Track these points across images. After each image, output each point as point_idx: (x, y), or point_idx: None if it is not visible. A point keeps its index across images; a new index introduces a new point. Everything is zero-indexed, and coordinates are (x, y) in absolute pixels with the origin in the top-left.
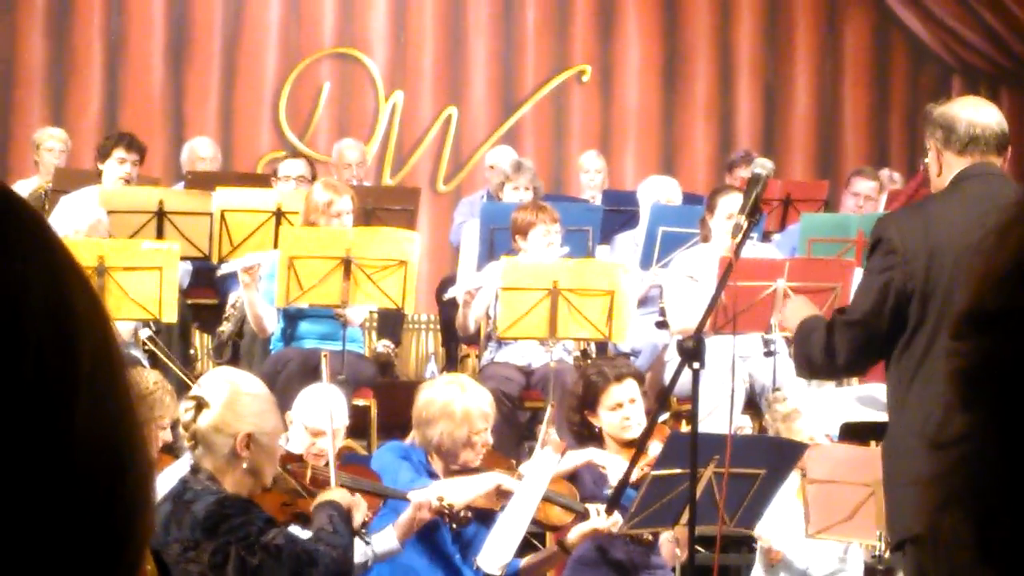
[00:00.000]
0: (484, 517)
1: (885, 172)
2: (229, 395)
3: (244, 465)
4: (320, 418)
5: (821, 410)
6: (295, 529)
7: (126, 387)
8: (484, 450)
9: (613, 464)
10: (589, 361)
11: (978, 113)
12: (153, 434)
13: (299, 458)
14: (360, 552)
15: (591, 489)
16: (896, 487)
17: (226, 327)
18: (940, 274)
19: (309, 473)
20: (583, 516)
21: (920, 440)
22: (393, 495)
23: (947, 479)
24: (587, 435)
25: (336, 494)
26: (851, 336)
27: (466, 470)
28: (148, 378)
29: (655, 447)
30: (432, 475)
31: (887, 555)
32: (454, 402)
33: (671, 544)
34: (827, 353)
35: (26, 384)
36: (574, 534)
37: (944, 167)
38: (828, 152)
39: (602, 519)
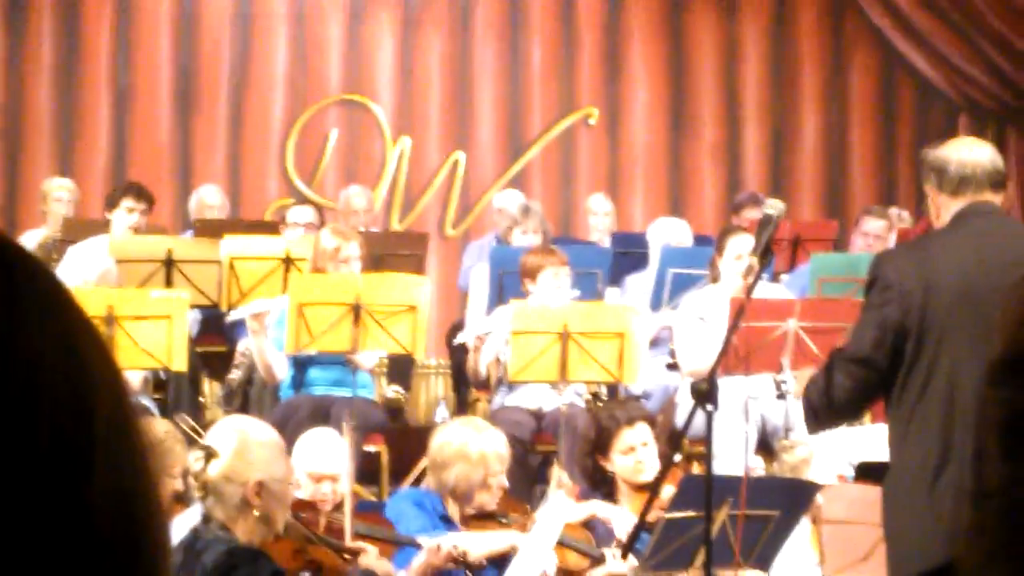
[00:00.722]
0: (499, 562)
1: (894, 211)
2: (238, 443)
3: (256, 513)
4: (322, 462)
5: (834, 450)
6: None
7: (141, 445)
8: (500, 492)
9: (617, 517)
10: (600, 404)
11: (969, 153)
12: (164, 484)
13: (311, 505)
14: None
15: (605, 534)
16: (897, 526)
17: (236, 375)
18: (936, 311)
19: (323, 521)
20: (599, 561)
21: (920, 478)
22: (407, 542)
23: (990, 531)
24: (600, 479)
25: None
26: (851, 373)
27: (482, 514)
28: (158, 428)
29: (667, 490)
30: (447, 520)
31: None
32: (469, 444)
33: None
34: (825, 394)
35: (43, 451)
36: None
37: (941, 209)
38: (836, 192)
39: (618, 563)
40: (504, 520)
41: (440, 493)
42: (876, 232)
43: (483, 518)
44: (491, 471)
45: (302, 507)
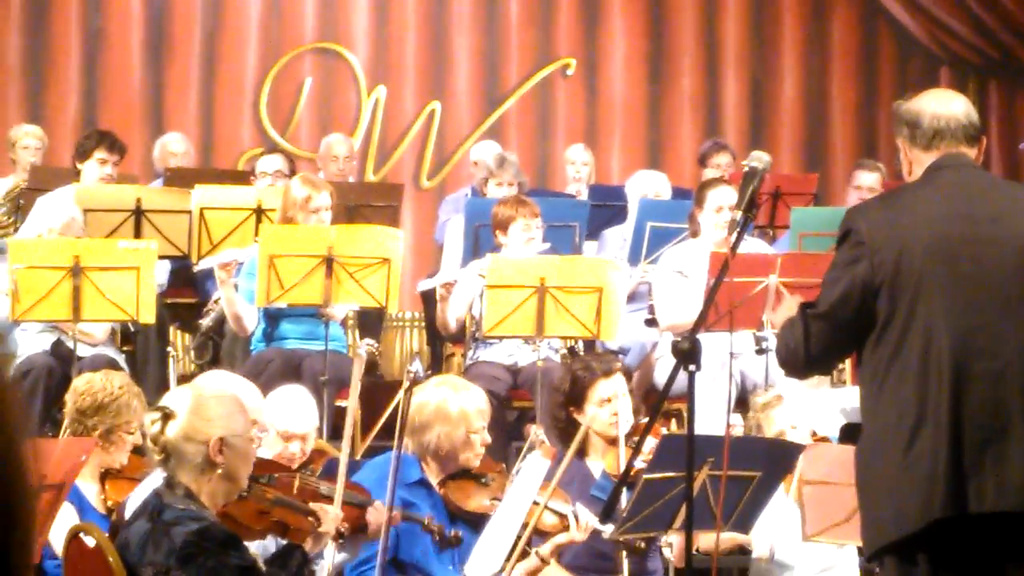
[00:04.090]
0: (475, 523)
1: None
2: (194, 401)
3: (219, 471)
4: (292, 421)
5: (818, 411)
6: (271, 543)
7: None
8: (483, 449)
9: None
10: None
11: (943, 105)
12: (120, 440)
13: (277, 464)
14: (329, 557)
15: (576, 494)
16: (871, 491)
17: (206, 320)
18: (910, 267)
19: (297, 483)
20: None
21: (895, 440)
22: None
23: None
24: (571, 432)
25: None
26: (817, 330)
27: (460, 474)
28: (113, 383)
29: (648, 445)
30: (425, 484)
31: None
32: (448, 402)
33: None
34: (796, 347)
35: None
36: (549, 545)
37: (914, 163)
38: (816, 144)
39: (575, 530)
40: (483, 481)
41: (419, 456)
42: (870, 185)
43: (461, 479)
44: (473, 428)
45: (268, 467)
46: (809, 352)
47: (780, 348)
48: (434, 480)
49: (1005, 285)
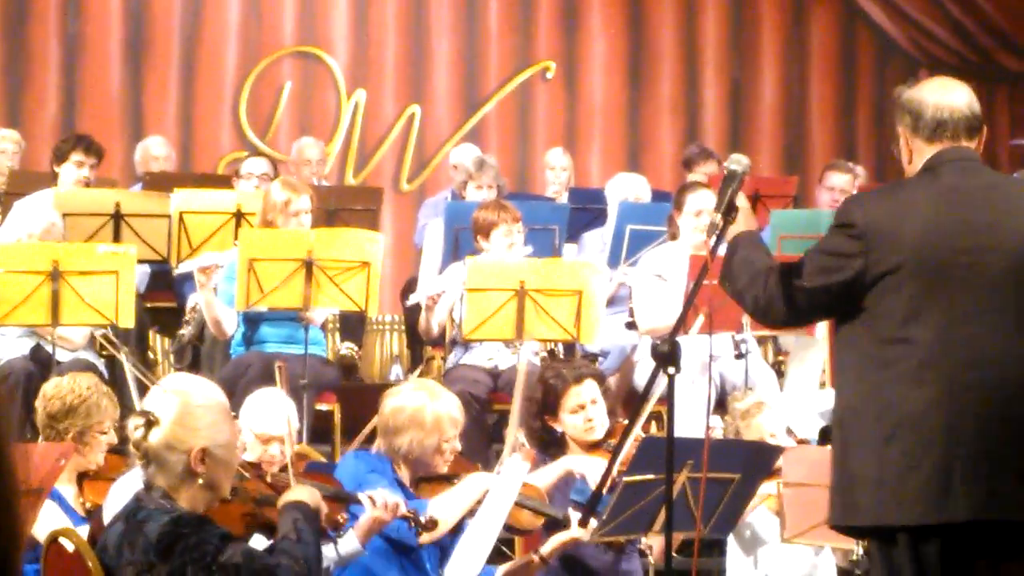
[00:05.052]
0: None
1: (860, 168)
2: (179, 409)
3: (200, 481)
4: (269, 424)
5: (799, 411)
6: (258, 541)
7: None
8: (452, 456)
9: (591, 467)
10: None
11: (946, 95)
12: (93, 441)
13: (256, 466)
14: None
15: (557, 494)
16: (849, 474)
17: (186, 331)
18: (905, 272)
19: (268, 481)
20: (553, 519)
21: (873, 434)
22: (353, 499)
23: None
24: (549, 440)
25: (303, 493)
26: (799, 298)
27: (433, 476)
28: (81, 384)
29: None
30: (399, 484)
31: (861, 555)
32: (424, 409)
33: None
34: (757, 295)
35: None
36: (551, 545)
37: (914, 154)
38: (796, 147)
39: (579, 528)
40: (456, 482)
41: (390, 458)
42: (841, 186)
43: (434, 481)
44: (445, 436)
45: (247, 469)
46: (774, 311)
47: (736, 282)
48: (405, 482)
49: (1001, 293)
